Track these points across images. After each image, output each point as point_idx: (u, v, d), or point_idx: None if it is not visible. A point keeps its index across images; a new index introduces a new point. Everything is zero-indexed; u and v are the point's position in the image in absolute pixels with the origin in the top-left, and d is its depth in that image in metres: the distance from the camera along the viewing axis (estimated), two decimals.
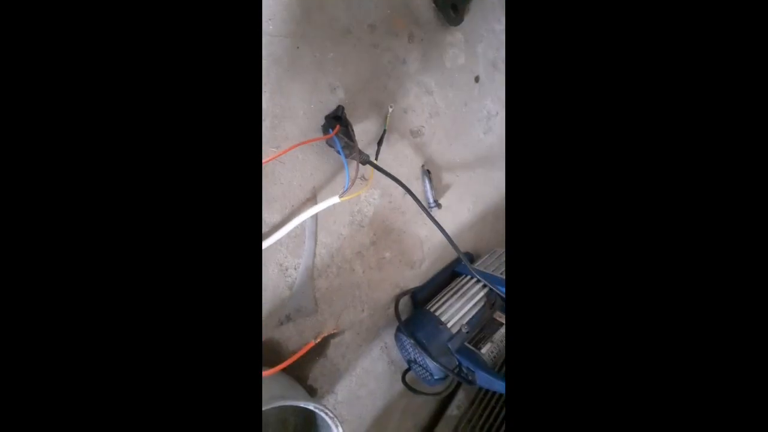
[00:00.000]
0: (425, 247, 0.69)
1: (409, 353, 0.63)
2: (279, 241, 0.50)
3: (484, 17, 0.71)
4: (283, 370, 0.54)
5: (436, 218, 0.57)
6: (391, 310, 0.66)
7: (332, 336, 0.59)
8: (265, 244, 0.48)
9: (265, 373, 0.42)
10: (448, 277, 0.71)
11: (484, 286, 0.66)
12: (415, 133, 0.65)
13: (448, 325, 0.60)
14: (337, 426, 0.48)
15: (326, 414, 0.48)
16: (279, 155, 0.47)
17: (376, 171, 0.53)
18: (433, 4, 0.62)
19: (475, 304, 0.64)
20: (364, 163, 0.53)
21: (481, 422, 0.73)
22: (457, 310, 0.62)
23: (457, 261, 0.73)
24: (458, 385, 0.76)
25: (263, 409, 0.43)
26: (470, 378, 0.57)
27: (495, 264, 0.70)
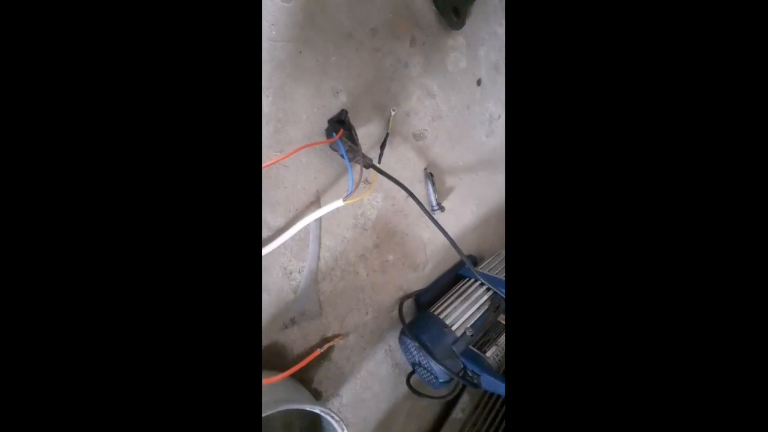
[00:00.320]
0: (428, 249, 0.69)
1: (413, 356, 0.62)
2: (283, 245, 0.50)
3: (486, 20, 0.71)
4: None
5: (439, 221, 0.57)
6: (395, 312, 0.66)
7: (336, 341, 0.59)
8: (270, 247, 0.48)
9: (272, 379, 0.42)
10: (451, 280, 0.71)
11: (488, 289, 0.66)
12: (418, 137, 0.65)
13: (453, 328, 0.60)
14: (342, 429, 0.48)
15: (332, 417, 0.48)
16: (283, 158, 0.47)
17: (378, 174, 0.54)
18: (435, 8, 0.62)
19: (479, 307, 0.64)
20: (367, 167, 0.53)
21: (486, 426, 0.73)
22: (462, 313, 0.62)
23: (461, 264, 0.73)
24: (463, 389, 0.76)
25: (269, 412, 0.43)
26: (475, 381, 0.57)
27: (498, 267, 0.70)
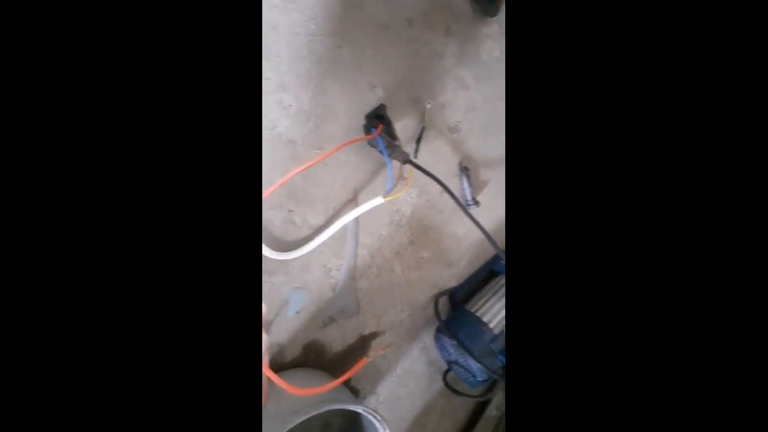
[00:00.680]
0: (462, 245, 0.68)
1: (450, 354, 0.62)
2: (323, 243, 0.50)
3: None
4: (327, 371, 0.55)
5: (474, 216, 0.56)
6: (430, 309, 0.65)
7: (374, 338, 0.58)
8: (310, 246, 0.48)
9: (325, 387, 0.42)
10: (486, 276, 0.70)
11: None
12: (453, 129, 0.63)
13: (491, 325, 0.59)
14: (384, 429, 0.48)
15: (374, 417, 0.47)
16: (324, 157, 0.46)
17: (414, 169, 0.52)
18: None
19: None
20: (405, 163, 0.51)
21: None
22: (499, 310, 0.61)
23: (495, 259, 0.72)
24: (494, 385, 0.75)
25: (314, 413, 0.43)
26: None
27: None
